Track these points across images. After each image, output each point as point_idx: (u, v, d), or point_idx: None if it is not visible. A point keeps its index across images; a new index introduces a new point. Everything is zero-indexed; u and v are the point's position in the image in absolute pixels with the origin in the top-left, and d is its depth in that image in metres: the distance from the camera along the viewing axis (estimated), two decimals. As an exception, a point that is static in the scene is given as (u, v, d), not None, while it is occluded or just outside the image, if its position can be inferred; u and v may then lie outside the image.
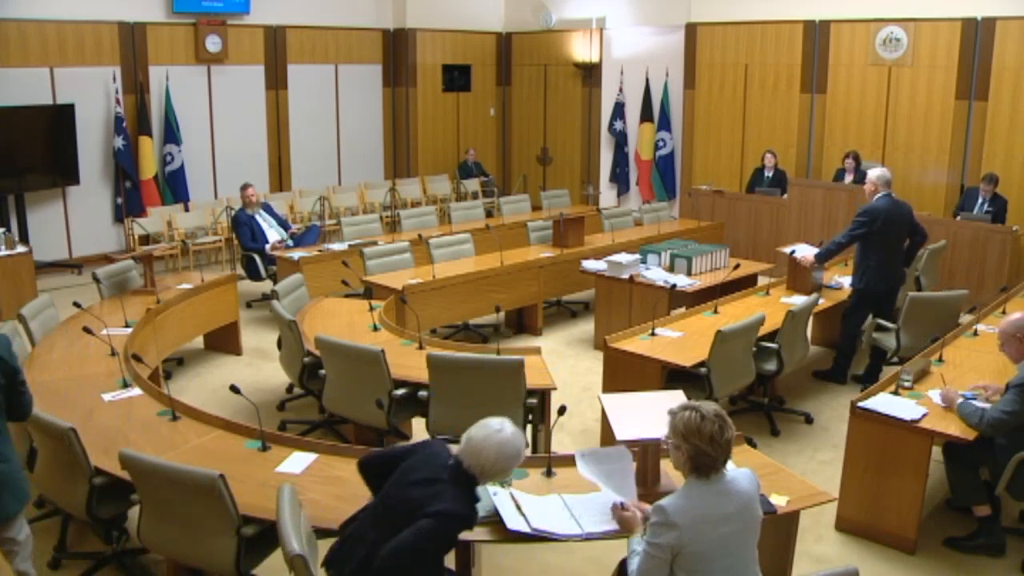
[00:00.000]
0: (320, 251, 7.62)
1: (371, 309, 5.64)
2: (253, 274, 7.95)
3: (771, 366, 5.27)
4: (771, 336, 5.31)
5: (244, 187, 8.16)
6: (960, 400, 4.06)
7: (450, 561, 3.08)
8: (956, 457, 4.07)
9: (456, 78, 12.78)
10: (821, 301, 6.03)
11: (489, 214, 9.96)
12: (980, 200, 8.30)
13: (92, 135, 9.61)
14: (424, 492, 2.67)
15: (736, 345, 4.92)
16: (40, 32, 9.11)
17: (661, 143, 11.54)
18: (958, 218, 8.24)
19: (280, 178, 11.35)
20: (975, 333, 5.33)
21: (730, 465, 2.75)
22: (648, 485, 3.25)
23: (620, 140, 11.96)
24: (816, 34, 10.04)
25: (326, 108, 11.74)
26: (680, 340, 5.19)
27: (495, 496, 3.12)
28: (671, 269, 6.87)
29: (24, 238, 8.93)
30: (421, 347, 4.93)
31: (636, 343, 5.13)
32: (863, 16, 9.61)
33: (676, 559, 2.60)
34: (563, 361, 6.73)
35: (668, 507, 2.61)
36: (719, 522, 2.60)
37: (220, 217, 9.55)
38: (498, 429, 2.77)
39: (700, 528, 2.58)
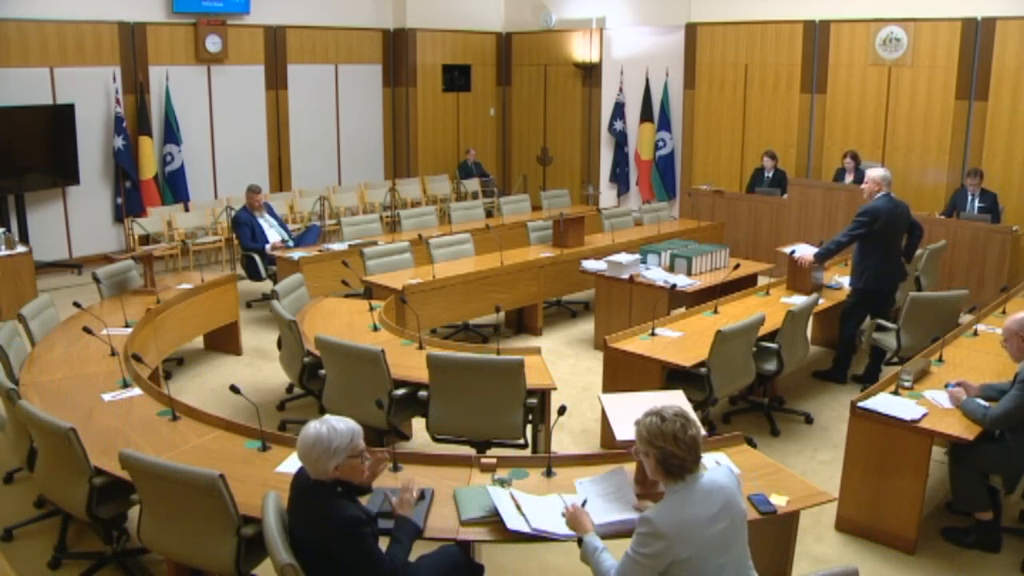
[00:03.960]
0: (320, 251, 7.62)
1: (371, 309, 5.65)
2: (253, 274, 7.95)
3: (771, 366, 5.27)
4: (771, 336, 5.31)
5: (254, 190, 8.14)
6: (964, 398, 4.08)
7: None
8: (962, 461, 4.07)
9: (456, 78, 12.78)
10: (821, 301, 6.03)
11: (489, 214, 9.96)
12: (970, 197, 8.31)
13: (92, 135, 9.61)
14: (313, 528, 2.78)
15: (736, 345, 4.92)
16: (40, 32, 9.11)
17: (661, 143, 11.54)
18: (960, 216, 8.24)
19: (280, 178, 11.35)
20: (975, 333, 5.33)
21: (709, 465, 2.76)
22: (647, 485, 3.24)
23: (620, 140, 11.96)
24: (816, 34, 10.04)
25: (326, 108, 11.74)
26: (680, 340, 5.19)
27: (495, 496, 3.12)
28: (671, 269, 6.87)
29: (24, 238, 8.93)
30: (421, 347, 4.93)
31: (636, 343, 5.13)
32: (863, 16, 9.61)
33: (670, 568, 2.59)
34: (563, 361, 6.73)
35: (654, 518, 2.59)
36: (707, 524, 2.59)
37: (220, 217, 9.55)
38: (301, 437, 2.82)
39: (688, 534, 2.57)
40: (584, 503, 3.05)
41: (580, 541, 2.87)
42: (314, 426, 2.81)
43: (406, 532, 2.91)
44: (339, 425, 2.81)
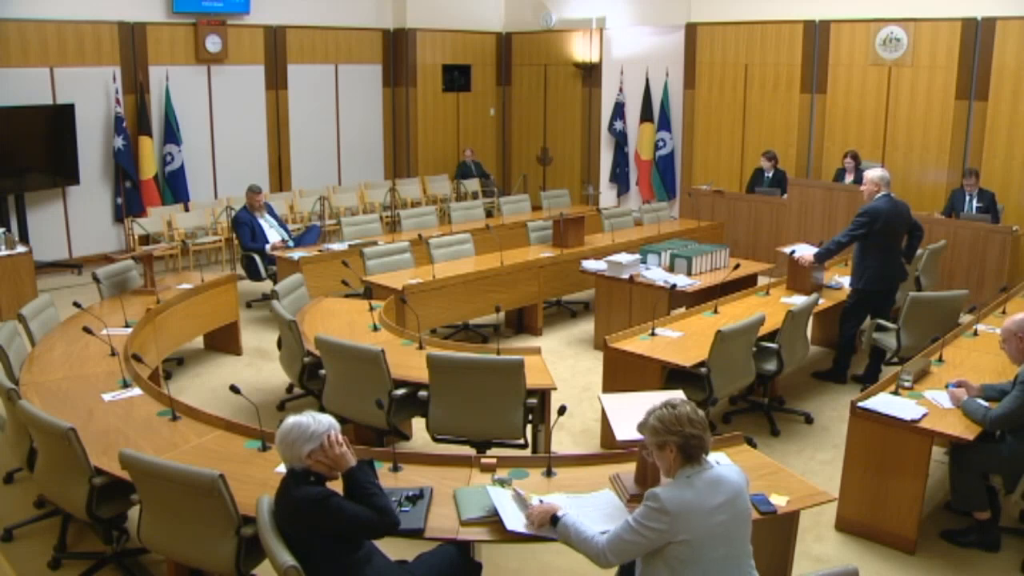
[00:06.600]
0: (320, 251, 7.62)
1: (371, 309, 5.64)
2: (253, 274, 7.95)
3: (771, 366, 5.27)
4: (771, 336, 5.31)
5: (254, 191, 8.14)
6: (965, 398, 4.08)
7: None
8: (962, 461, 4.07)
9: (456, 78, 12.78)
10: (821, 301, 6.02)
11: (489, 214, 9.96)
12: (968, 197, 8.32)
13: (92, 135, 9.61)
14: (289, 517, 2.82)
15: (736, 345, 4.92)
16: (40, 32, 9.11)
17: (661, 143, 11.54)
18: (960, 216, 8.24)
19: (280, 178, 11.35)
20: (975, 333, 5.33)
21: (719, 460, 2.78)
22: (648, 484, 3.24)
23: (620, 140, 11.96)
24: (816, 34, 10.04)
25: (326, 108, 11.74)
26: (680, 340, 5.19)
27: (495, 496, 3.12)
28: (671, 269, 6.87)
29: (24, 238, 8.92)
30: (421, 347, 4.93)
31: (636, 343, 5.13)
32: (863, 16, 9.61)
33: (668, 549, 2.64)
34: (563, 361, 6.73)
35: (662, 494, 2.66)
36: (710, 512, 2.64)
37: (220, 217, 9.55)
38: (280, 426, 2.90)
39: (691, 518, 2.62)
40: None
41: (554, 522, 2.88)
42: (295, 416, 2.88)
43: (365, 475, 2.90)
44: (320, 416, 2.89)
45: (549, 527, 2.91)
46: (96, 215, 9.82)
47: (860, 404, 4.16)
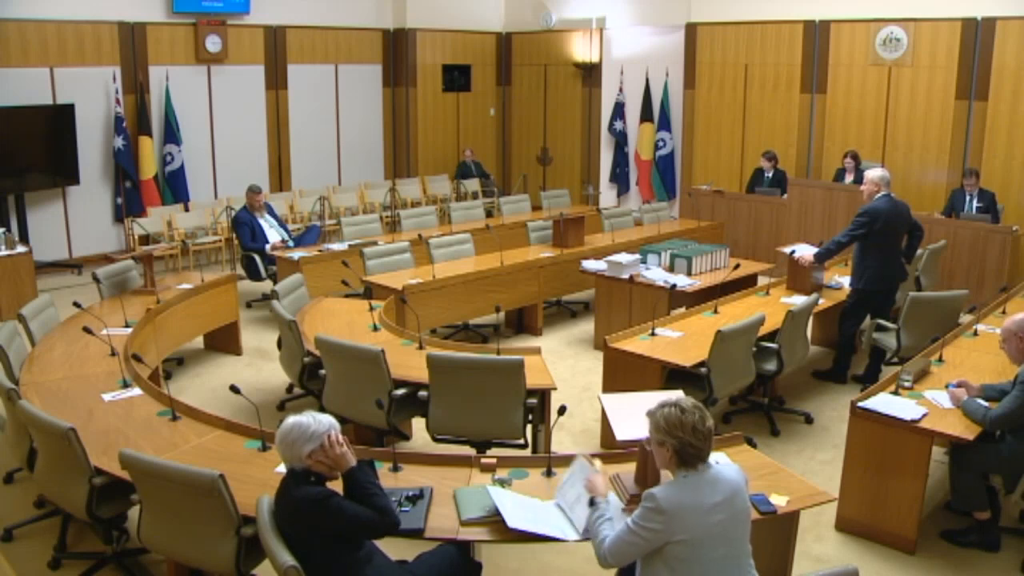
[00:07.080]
0: (320, 251, 7.62)
1: (371, 309, 5.65)
2: (253, 274, 7.95)
3: (771, 366, 5.27)
4: (771, 336, 5.31)
5: (254, 191, 8.15)
6: (965, 398, 4.08)
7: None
8: (962, 461, 4.07)
9: (456, 78, 12.79)
10: (821, 301, 6.02)
11: (489, 214, 9.96)
12: (968, 197, 8.32)
13: (92, 135, 9.61)
14: (289, 517, 2.82)
15: (736, 345, 4.92)
16: (40, 32, 9.11)
17: (661, 143, 11.54)
18: (960, 216, 8.24)
19: (280, 178, 11.35)
20: (975, 333, 5.33)
21: (719, 460, 2.78)
22: (647, 484, 3.23)
23: (620, 140, 11.96)
24: (816, 34, 10.04)
25: (326, 108, 11.74)
26: (680, 340, 5.19)
27: (495, 496, 3.12)
28: (671, 269, 6.87)
29: (24, 238, 8.93)
30: (421, 347, 4.93)
31: (636, 343, 5.13)
32: (863, 16, 9.61)
33: (667, 548, 2.65)
34: (563, 361, 6.73)
35: (658, 495, 2.66)
36: (708, 512, 2.65)
37: (220, 217, 9.56)
38: (281, 426, 2.90)
39: (688, 517, 2.63)
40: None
41: (592, 502, 2.94)
42: (295, 416, 2.88)
43: (365, 475, 2.90)
44: (320, 416, 2.89)
45: (588, 503, 2.95)
46: (96, 215, 9.82)
47: (860, 404, 4.16)
